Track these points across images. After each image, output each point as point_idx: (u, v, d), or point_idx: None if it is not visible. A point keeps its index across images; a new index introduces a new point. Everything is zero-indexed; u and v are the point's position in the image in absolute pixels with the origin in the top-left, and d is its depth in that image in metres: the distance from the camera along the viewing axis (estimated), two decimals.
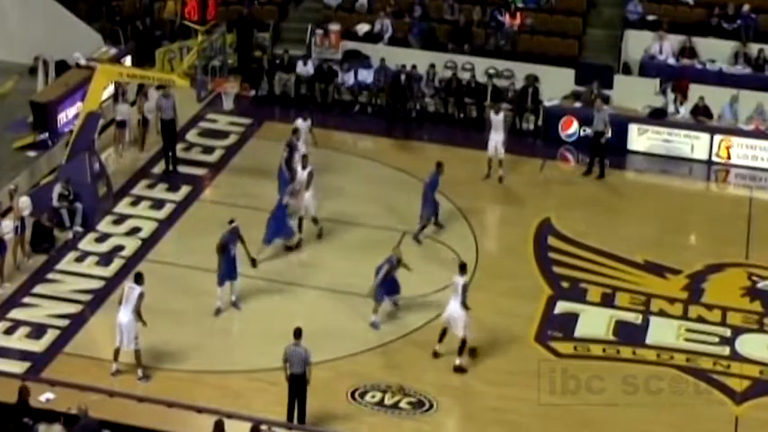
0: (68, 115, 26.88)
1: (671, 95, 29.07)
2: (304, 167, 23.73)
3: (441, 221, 24.56)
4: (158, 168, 26.74)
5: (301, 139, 25.54)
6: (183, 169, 26.75)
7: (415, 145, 28.60)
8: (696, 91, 28.85)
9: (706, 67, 30.50)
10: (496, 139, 26.60)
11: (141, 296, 19.52)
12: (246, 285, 22.25)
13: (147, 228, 24.39)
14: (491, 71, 30.51)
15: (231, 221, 21.85)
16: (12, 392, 17.67)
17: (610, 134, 26.87)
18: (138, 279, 19.81)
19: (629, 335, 21.51)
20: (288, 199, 23.57)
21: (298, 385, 18.40)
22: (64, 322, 21.30)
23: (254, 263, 22.48)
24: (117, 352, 19.72)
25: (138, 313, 19.48)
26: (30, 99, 27.36)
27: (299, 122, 25.97)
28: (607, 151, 27.07)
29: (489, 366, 20.46)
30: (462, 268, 20.54)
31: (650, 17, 31.64)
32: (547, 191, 26.65)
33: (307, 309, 22.00)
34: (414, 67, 29.99)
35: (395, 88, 29.63)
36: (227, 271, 21.56)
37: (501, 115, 26.91)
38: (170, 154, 26.58)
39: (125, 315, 19.52)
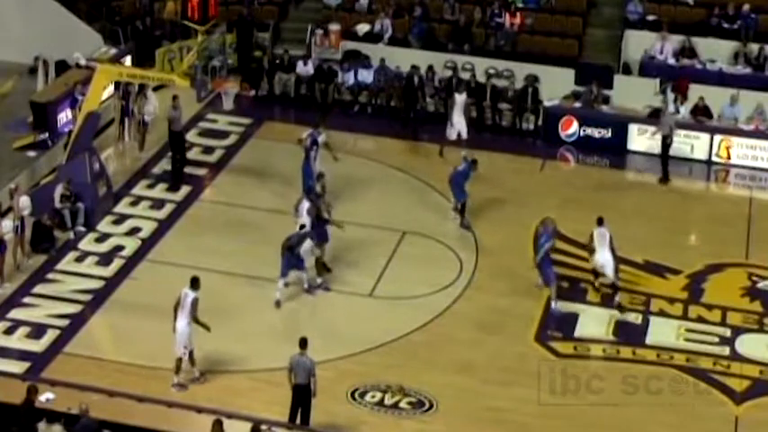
0: (68, 115, 26.86)
1: (671, 95, 29.08)
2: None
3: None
4: (158, 168, 26.74)
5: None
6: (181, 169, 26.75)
7: (415, 145, 28.58)
8: (696, 91, 28.85)
9: (706, 67, 30.48)
10: (460, 121, 26.82)
11: (195, 302, 19.27)
12: (247, 285, 22.28)
13: (147, 228, 24.39)
14: (491, 71, 30.52)
15: (303, 226, 21.98)
16: (11, 392, 17.69)
17: (662, 138, 27.05)
18: (194, 284, 19.47)
19: (629, 335, 21.51)
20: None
21: (302, 396, 18.30)
22: (64, 322, 21.29)
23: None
24: (190, 356, 19.62)
25: (195, 320, 19.26)
26: (30, 99, 27.37)
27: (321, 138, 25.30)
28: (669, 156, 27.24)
29: (489, 366, 20.47)
30: (600, 221, 22.36)
31: (650, 17, 31.62)
32: (547, 191, 26.64)
33: (307, 309, 22.03)
34: (413, 67, 30.00)
35: (408, 90, 29.49)
36: (294, 264, 21.66)
37: (464, 96, 27.25)
38: (178, 166, 26.28)
39: (179, 321, 19.31)
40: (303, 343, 18.29)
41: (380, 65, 30.48)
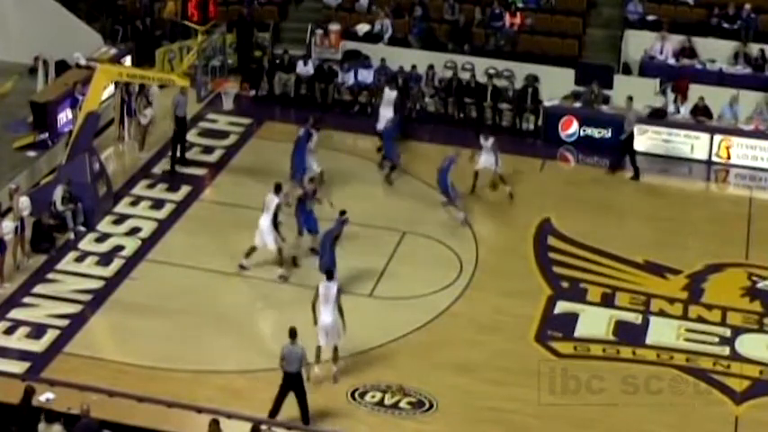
0: (68, 115, 26.87)
1: (671, 95, 29.08)
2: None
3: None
4: (158, 168, 26.75)
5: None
6: (183, 169, 26.73)
7: (415, 145, 28.57)
8: (696, 91, 28.84)
9: (706, 67, 30.47)
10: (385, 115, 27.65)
11: (340, 291, 19.64)
12: (248, 285, 22.29)
13: (147, 228, 24.38)
14: (491, 71, 30.51)
15: (343, 212, 22.27)
16: (11, 392, 17.70)
17: (626, 134, 27.13)
18: (330, 275, 19.81)
19: (629, 335, 21.51)
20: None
21: (294, 384, 18.43)
22: (64, 322, 21.29)
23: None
24: (318, 351, 19.67)
25: (340, 309, 19.52)
26: (30, 99, 27.37)
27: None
28: (625, 151, 27.33)
29: (489, 366, 20.47)
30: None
31: (650, 17, 31.62)
32: (547, 191, 26.65)
33: (307, 309, 21.96)
34: (414, 67, 30.00)
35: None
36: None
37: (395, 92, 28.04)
38: (177, 153, 26.52)
39: (328, 315, 19.49)
40: (293, 333, 18.47)
41: (381, 65, 30.48)
